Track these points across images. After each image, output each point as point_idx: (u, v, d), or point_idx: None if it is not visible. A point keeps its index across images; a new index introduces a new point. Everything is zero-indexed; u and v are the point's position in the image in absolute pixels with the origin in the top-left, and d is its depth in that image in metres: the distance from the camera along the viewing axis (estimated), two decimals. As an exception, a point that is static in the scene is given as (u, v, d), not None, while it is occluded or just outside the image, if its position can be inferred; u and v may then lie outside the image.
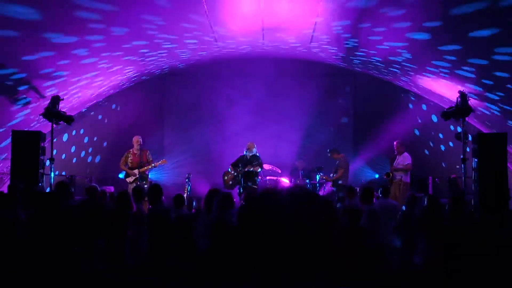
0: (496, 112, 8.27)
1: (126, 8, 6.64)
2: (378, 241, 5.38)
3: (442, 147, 10.79)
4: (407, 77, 9.82)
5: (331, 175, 9.70)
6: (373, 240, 5.31)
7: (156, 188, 5.43)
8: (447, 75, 8.07)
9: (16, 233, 4.85)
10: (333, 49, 9.57)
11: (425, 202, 6.36)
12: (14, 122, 8.47)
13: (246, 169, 9.01)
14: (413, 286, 5.17)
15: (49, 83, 8.08)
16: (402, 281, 5.29)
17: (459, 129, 7.96)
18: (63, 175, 9.59)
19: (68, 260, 4.88)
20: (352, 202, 6.68)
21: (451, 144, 10.57)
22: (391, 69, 9.67)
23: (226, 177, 9.32)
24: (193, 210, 6.63)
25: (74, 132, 10.67)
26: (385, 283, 5.31)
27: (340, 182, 9.49)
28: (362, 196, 6.10)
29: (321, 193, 10.08)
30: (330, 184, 9.85)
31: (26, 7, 5.68)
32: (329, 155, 9.81)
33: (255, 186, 8.92)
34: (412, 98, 11.09)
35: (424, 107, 10.94)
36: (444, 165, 10.75)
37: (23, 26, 6.08)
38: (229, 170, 9.36)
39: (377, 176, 11.28)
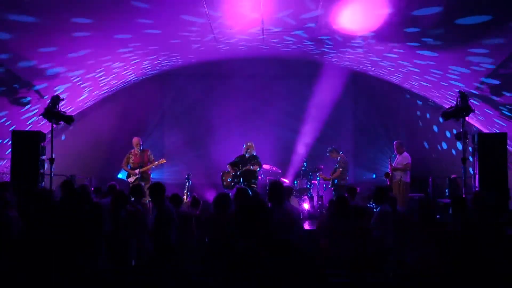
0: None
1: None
2: (386, 242, 5.38)
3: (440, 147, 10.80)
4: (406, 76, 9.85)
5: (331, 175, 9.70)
6: (381, 240, 5.32)
7: (158, 186, 5.39)
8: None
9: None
10: (332, 49, 9.59)
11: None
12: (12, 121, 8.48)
13: (245, 168, 9.00)
14: (409, 286, 5.18)
15: (48, 83, 8.09)
16: (398, 281, 5.30)
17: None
18: (62, 175, 9.56)
19: (68, 260, 4.87)
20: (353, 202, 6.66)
21: (444, 145, 10.64)
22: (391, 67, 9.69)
23: (224, 177, 9.30)
24: (198, 211, 6.60)
25: (74, 132, 10.66)
26: (383, 282, 5.33)
27: (336, 182, 9.48)
28: (374, 196, 6.01)
29: (321, 193, 10.09)
30: (329, 183, 9.84)
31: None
32: (328, 154, 9.81)
33: (255, 186, 8.92)
34: (407, 96, 11.11)
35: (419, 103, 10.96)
36: (444, 165, 10.76)
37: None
38: (228, 170, 9.35)
39: (374, 176, 11.29)
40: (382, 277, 5.14)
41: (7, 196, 5.13)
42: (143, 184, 8.80)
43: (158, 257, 5.04)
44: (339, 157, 9.69)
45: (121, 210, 5.59)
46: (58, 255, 4.75)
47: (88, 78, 8.95)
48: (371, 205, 7.59)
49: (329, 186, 9.97)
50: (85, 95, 9.92)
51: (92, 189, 7.04)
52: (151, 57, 9.52)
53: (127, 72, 9.96)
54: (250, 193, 6.44)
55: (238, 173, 9.07)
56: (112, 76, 9.67)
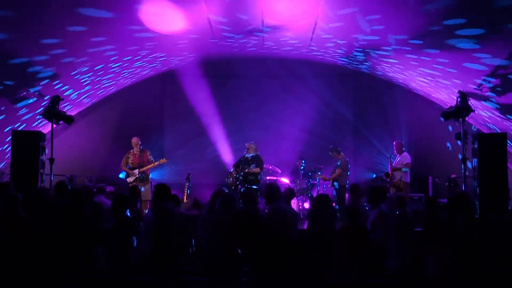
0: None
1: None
2: (385, 243, 5.38)
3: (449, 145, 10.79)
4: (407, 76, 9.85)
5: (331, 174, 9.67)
6: (380, 242, 5.32)
7: (163, 187, 5.40)
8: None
9: None
10: (333, 49, 9.60)
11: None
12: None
13: (245, 171, 8.98)
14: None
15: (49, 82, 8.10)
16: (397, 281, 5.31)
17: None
18: (62, 175, 9.57)
19: (67, 260, 4.88)
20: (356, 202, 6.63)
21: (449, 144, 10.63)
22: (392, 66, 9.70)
23: (228, 179, 9.27)
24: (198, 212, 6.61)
25: (74, 132, 10.68)
26: (382, 282, 5.34)
27: (336, 182, 9.46)
28: (369, 198, 5.96)
29: (321, 193, 10.07)
30: (329, 184, 9.81)
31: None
32: (330, 153, 9.77)
33: (256, 187, 8.89)
34: (409, 96, 11.09)
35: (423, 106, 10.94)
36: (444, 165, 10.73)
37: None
38: (231, 171, 9.33)
39: (374, 176, 11.27)
40: (381, 278, 5.15)
41: (18, 197, 5.15)
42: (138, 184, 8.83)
43: (158, 258, 5.04)
44: (339, 157, 9.65)
45: (122, 211, 5.60)
46: (57, 255, 4.75)
47: (88, 78, 8.97)
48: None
49: (329, 186, 9.94)
50: (86, 95, 9.95)
51: (95, 190, 7.01)
52: (150, 57, 9.53)
53: (127, 72, 9.98)
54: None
55: (240, 175, 9.05)
56: (113, 75, 9.69)
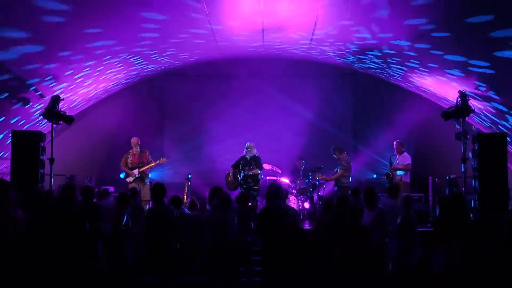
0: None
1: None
2: (382, 241, 5.40)
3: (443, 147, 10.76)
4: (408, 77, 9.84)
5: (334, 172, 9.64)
6: (378, 240, 5.33)
7: (159, 186, 5.40)
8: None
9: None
10: (333, 49, 9.60)
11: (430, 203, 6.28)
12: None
13: (245, 172, 8.95)
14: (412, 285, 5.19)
15: (49, 82, 8.10)
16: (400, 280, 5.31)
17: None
18: (62, 175, 9.56)
19: (68, 260, 4.88)
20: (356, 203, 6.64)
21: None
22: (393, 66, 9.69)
23: (227, 180, 9.26)
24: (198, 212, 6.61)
25: (74, 132, 10.67)
26: (384, 282, 5.34)
27: (338, 183, 9.43)
28: (366, 200, 6.00)
29: (321, 193, 10.07)
30: (332, 184, 9.79)
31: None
32: (332, 153, 9.75)
33: (256, 187, 8.88)
34: (411, 98, 11.09)
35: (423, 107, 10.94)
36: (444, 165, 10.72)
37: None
38: (230, 172, 9.31)
39: (374, 176, 11.26)
40: (380, 278, 5.15)
41: (11, 196, 5.13)
42: (138, 183, 8.85)
43: (154, 257, 5.04)
44: (341, 157, 9.61)
45: (124, 211, 5.61)
46: (57, 255, 4.75)
47: (88, 77, 8.97)
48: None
49: (332, 186, 9.91)
50: (84, 96, 9.94)
51: (96, 190, 7.01)
52: (151, 57, 9.54)
53: (127, 72, 9.97)
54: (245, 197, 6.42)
55: (239, 176, 9.03)
56: (112, 75, 9.69)
